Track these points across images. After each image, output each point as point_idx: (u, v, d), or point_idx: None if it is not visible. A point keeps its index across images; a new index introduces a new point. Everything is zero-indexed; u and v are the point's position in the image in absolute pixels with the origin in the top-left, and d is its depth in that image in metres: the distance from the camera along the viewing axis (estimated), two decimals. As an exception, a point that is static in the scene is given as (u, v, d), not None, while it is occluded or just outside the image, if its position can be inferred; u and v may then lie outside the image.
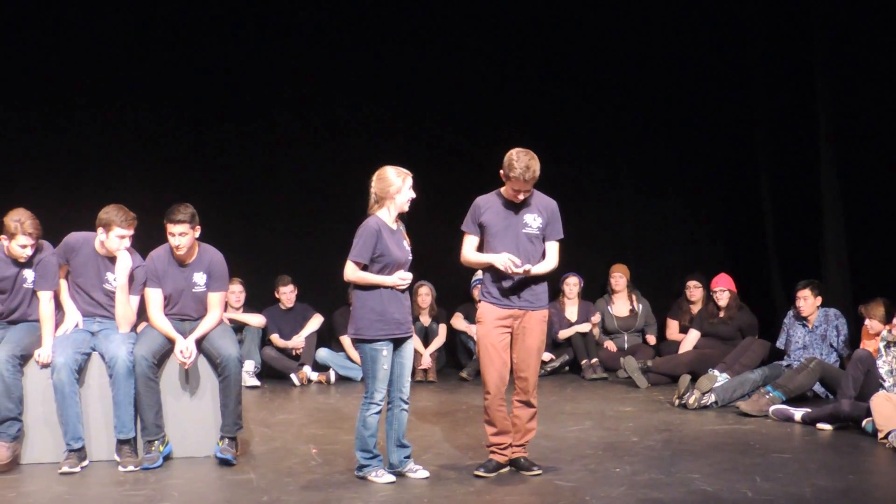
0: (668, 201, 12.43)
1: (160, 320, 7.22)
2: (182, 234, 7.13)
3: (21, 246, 7.04)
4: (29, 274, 7.17)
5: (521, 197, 6.55)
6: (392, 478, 6.48)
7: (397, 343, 6.54)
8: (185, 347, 7.13)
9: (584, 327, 11.16)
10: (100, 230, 7.20)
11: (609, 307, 11.50)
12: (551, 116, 11.90)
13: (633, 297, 11.50)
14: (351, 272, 6.49)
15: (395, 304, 6.48)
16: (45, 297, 7.12)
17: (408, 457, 6.66)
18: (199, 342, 7.26)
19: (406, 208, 6.58)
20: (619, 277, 11.47)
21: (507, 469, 6.68)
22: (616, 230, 12.34)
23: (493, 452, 6.69)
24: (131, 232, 7.25)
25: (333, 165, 11.44)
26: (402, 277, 6.49)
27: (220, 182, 11.32)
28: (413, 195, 6.57)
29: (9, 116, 10.99)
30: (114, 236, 7.17)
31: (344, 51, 11.71)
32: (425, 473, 6.60)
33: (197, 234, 7.25)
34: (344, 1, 11.74)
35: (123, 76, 11.19)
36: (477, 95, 11.90)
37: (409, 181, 6.55)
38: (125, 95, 11.24)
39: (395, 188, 6.50)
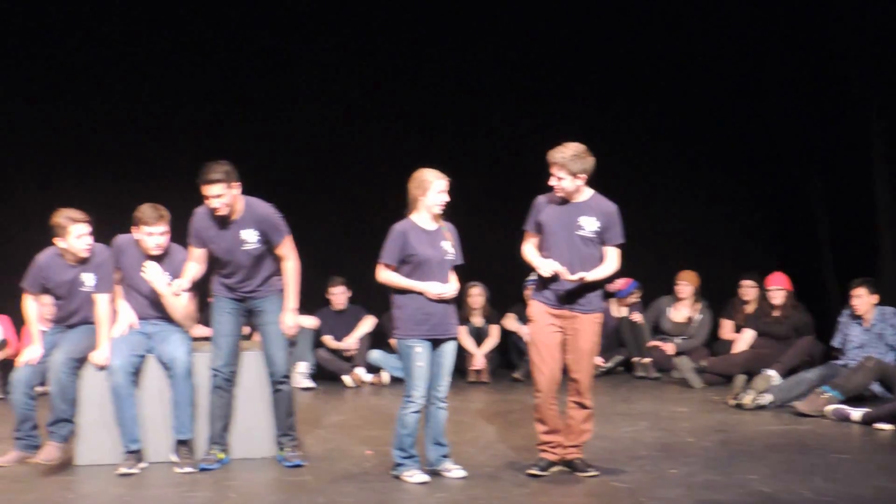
0: (720, 200, 12.33)
1: (190, 273, 7.05)
2: (218, 196, 6.81)
3: (78, 236, 7.07)
4: (87, 277, 7.19)
5: (554, 183, 6.49)
6: (425, 478, 6.49)
7: (436, 343, 6.56)
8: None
9: None
10: (134, 229, 7.22)
11: (668, 309, 11.40)
12: (603, 116, 11.84)
13: (698, 307, 11.37)
14: (381, 274, 6.58)
15: (430, 304, 6.51)
16: (103, 300, 7.16)
17: (445, 455, 6.68)
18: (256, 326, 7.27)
19: (437, 210, 6.57)
20: (684, 286, 11.30)
21: (558, 468, 6.66)
22: (668, 230, 12.24)
23: (543, 451, 6.67)
24: (161, 229, 7.16)
25: (387, 166, 11.43)
26: (441, 292, 6.49)
27: (272, 182, 11.31)
28: (444, 199, 6.55)
29: (53, 116, 11.11)
30: (143, 234, 7.17)
31: (399, 49, 11.73)
32: (462, 473, 6.61)
33: (236, 191, 6.90)
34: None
35: (171, 75, 11.32)
36: (532, 97, 11.87)
37: (441, 184, 6.54)
38: (173, 94, 11.33)
39: (421, 190, 6.53)
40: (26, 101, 11.09)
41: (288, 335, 7.11)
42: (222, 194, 6.82)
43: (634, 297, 11.45)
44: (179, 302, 7.26)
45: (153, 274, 7.09)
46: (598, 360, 10.70)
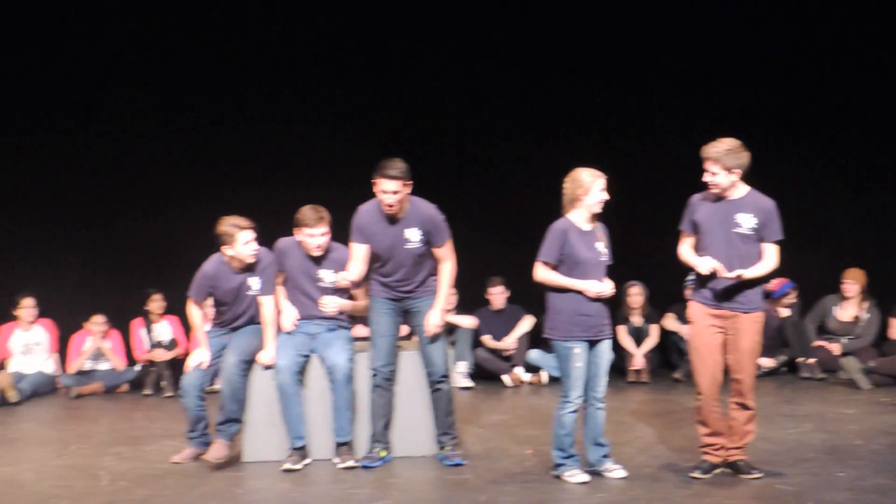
0: (888, 196, 11.96)
1: (355, 269, 7.10)
2: (395, 192, 6.89)
3: (245, 243, 7.24)
4: (253, 282, 7.36)
5: (708, 178, 6.41)
6: (586, 478, 6.50)
7: (593, 343, 6.55)
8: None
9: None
10: (295, 231, 7.33)
11: (835, 308, 11.11)
12: (765, 111, 11.63)
13: (865, 306, 11.04)
14: (539, 273, 6.57)
15: (587, 305, 6.49)
16: (268, 302, 7.33)
17: (606, 455, 6.66)
18: (413, 330, 7.34)
19: (597, 210, 6.55)
20: (850, 285, 10.98)
21: (720, 470, 6.57)
22: (834, 227, 11.92)
23: (706, 453, 6.60)
24: (321, 230, 7.25)
25: (543, 166, 11.42)
26: (600, 291, 6.47)
27: (431, 182, 11.47)
28: (604, 197, 6.52)
29: (207, 125, 11.51)
30: (304, 236, 7.28)
31: (553, 49, 11.74)
32: (623, 473, 6.59)
33: (408, 189, 7.01)
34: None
35: (333, 79, 11.59)
36: (688, 92, 11.73)
37: (601, 183, 6.52)
38: (331, 98, 11.60)
39: (582, 190, 6.50)
40: (183, 113, 11.52)
41: (430, 333, 7.16)
42: (398, 191, 6.91)
43: (791, 298, 11.17)
44: (358, 304, 7.43)
45: (333, 305, 7.30)
46: (766, 362, 10.50)
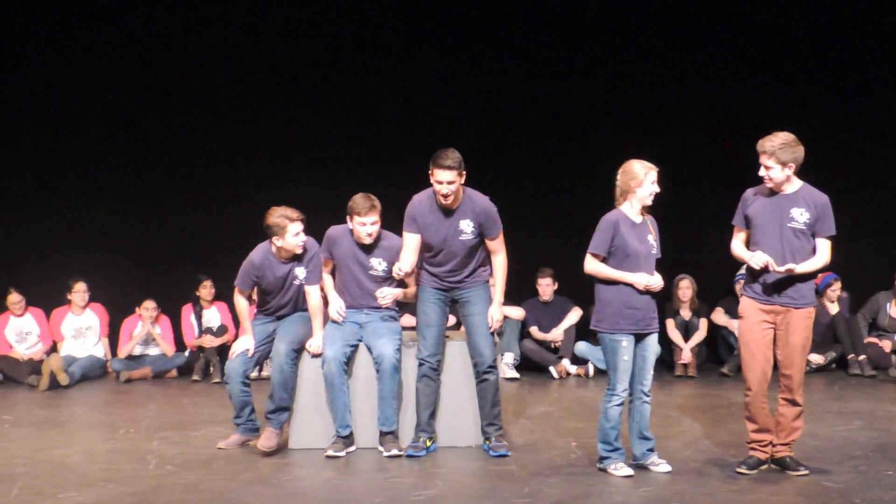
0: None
1: (408, 260, 7.05)
2: (450, 182, 6.90)
3: (295, 234, 7.27)
4: (300, 271, 7.39)
5: (763, 172, 6.36)
6: (630, 472, 6.49)
7: (640, 336, 6.53)
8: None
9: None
10: (347, 219, 7.34)
11: (888, 305, 10.99)
12: (816, 103, 11.51)
13: None
14: (589, 264, 6.55)
15: (635, 298, 6.48)
16: (314, 291, 7.37)
17: (651, 449, 6.64)
18: (463, 319, 7.32)
19: (649, 202, 6.52)
20: None
21: (766, 466, 6.54)
22: (887, 223, 11.79)
23: (753, 449, 6.57)
24: (372, 218, 7.24)
25: (593, 158, 11.40)
26: (649, 283, 6.45)
27: (481, 173, 11.46)
28: (656, 189, 6.50)
29: (270, 123, 11.58)
30: (356, 224, 7.29)
31: (603, 44, 11.70)
32: (668, 467, 6.57)
33: (462, 180, 7.00)
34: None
35: (389, 70, 11.63)
36: (741, 87, 11.64)
37: (653, 175, 6.50)
38: (384, 89, 11.64)
39: (636, 182, 6.47)
40: (232, 105, 11.65)
41: (494, 328, 7.18)
42: (453, 181, 6.91)
43: (836, 291, 11.02)
44: (409, 290, 7.44)
45: (390, 298, 7.32)
46: (815, 358, 10.41)
